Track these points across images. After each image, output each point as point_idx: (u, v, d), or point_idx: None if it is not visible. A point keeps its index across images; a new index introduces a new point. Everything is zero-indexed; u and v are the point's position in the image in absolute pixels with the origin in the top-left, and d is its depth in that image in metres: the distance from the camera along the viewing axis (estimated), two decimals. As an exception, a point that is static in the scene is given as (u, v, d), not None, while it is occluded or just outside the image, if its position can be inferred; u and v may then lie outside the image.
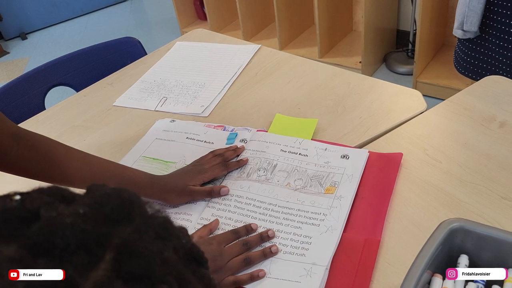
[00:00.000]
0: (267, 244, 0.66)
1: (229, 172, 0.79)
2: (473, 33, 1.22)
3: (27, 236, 0.24)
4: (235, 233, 0.67)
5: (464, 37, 1.25)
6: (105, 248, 0.24)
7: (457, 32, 1.25)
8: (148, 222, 0.28)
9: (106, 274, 0.24)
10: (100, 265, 0.24)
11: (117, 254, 0.24)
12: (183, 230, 0.30)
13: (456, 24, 1.23)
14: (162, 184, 0.74)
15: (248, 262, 0.63)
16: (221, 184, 0.77)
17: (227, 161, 0.80)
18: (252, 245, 0.65)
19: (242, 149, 0.83)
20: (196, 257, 0.29)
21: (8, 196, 0.27)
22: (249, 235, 0.68)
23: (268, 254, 0.64)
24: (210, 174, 0.76)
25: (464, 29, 1.20)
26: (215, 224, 0.70)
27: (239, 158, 0.82)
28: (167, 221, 0.29)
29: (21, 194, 0.27)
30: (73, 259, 0.23)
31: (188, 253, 0.29)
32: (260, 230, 0.69)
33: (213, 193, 0.74)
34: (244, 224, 0.70)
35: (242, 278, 0.62)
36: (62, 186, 0.29)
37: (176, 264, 0.26)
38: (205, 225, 0.70)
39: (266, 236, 0.67)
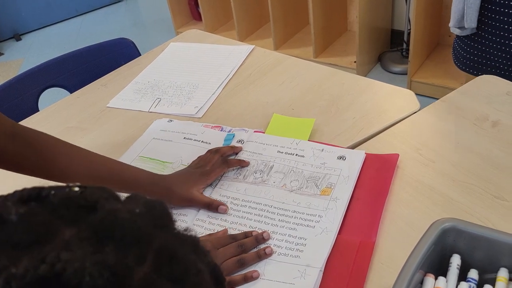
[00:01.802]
0: (262, 246, 0.66)
1: (226, 172, 0.79)
2: (470, 30, 1.23)
3: (88, 223, 0.25)
4: (233, 238, 0.67)
5: (463, 34, 1.25)
6: (151, 247, 0.26)
7: (455, 30, 1.26)
8: (183, 235, 0.30)
9: (152, 270, 0.25)
10: (146, 263, 0.25)
11: (159, 255, 0.26)
12: (207, 250, 0.31)
13: (452, 22, 1.24)
14: (164, 185, 0.73)
15: (242, 264, 0.63)
16: (218, 184, 0.77)
17: (225, 156, 0.80)
18: (247, 247, 0.65)
19: (239, 147, 0.83)
20: (218, 276, 0.31)
21: (69, 186, 0.28)
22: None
23: (263, 255, 0.64)
24: (213, 175, 0.76)
25: (465, 26, 1.21)
26: (221, 234, 0.69)
27: (238, 158, 0.81)
28: (197, 239, 0.31)
29: (80, 186, 0.29)
30: (129, 250, 0.25)
31: (211, 271, 0.30)
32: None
33: (211, 207, 0.73)
34: (239, 226, 0.70)
35: (235, 278, 0.62)
36: (110, 188, 0.31)
37: (204, 278, 0.28)
38: (210, 234, 0.69)
39: (261, 239, 0.66)
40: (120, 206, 0.28)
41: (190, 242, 0.29)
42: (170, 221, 0.30)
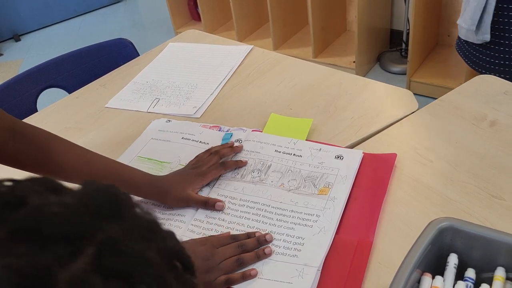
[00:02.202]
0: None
1: (222, 174, 0.79)
2: (471, 35, 1.24)
3: (11, 221, 0.24)
4: (234, 239, 0.66)
5: (480, 42, 1.27)
6: (88, 242, 0.24)
7: (470, 38, 1.27)
8: (135, 222, 0.28)
9: (85, 268, 0.23)
10: (81, 257, 0.24)
11: (99, 249, 0.24)
12: (170, 233, 0.30)
13: (467, 25, 1.25)
14: (160, 186, 0.74)
15: (241, 263, 0.63)
16: (216, 184, 0.77)
17: (223, 158, 0.80)
18: (247, 248, 0.65)
19: (240, 148, 0.83)
20: (183, 261, 0.29)
21: (0, 181, 0.27)
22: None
23: (262, 255, 0.64)
24: (209, 176, 0.76)
25: (458, 22, 1.23)
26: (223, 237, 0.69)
27: (236, 159, 0.81)
28: (155, 223, 0.29)
29: (13, 181, 0.27)
30: (55, 248, 0.23)
31: (174, 256, 0.28)
32: (253, 231, 0.69)
33: (208, 205, 0.73)
34: (237, 226, 0.70)
35: (233, 277, 0.62)
36: (54, 179, 0.29)
37: (158, 266, 0.26)
38: (212, 236, 0.69)
39: (263, 241, 0.66)
40: (52, 200, 0.26)
41: (144, 228, 0.27)
42: (120, 209, 0.27)
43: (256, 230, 0.68)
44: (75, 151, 0.72)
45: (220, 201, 0.73)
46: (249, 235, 0.67)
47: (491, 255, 0.51)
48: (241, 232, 0.69)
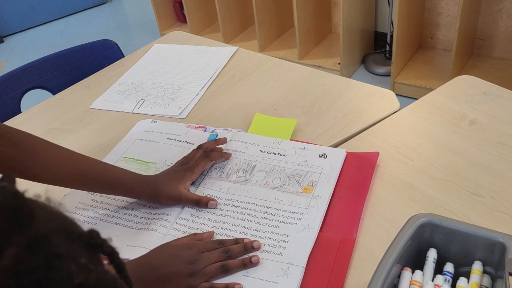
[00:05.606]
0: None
1: (208, 171, 0.80)
2: None
3: None
4: (220, 244, 0.66)
5: None
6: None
7: None
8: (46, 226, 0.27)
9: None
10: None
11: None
12: (88, 232, 0.29)
13: None
14: (152, 185, 0.74)
15: (226, 270, 0.62)
16: (201, 183, 0.78)
17: (208, 150, 0.80)
18: (233, 254, 0.64)
19: (223, 140, 0.84)
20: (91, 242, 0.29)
21: None
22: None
23: (248, 264, 0.63)
24: (197, 170, 0.77)
25: None
26: (207, 236, 0.68)
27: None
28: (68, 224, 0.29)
29: None
30: None
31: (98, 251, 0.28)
32: (238, 229, 0.69)
33: (201, 204, 0.73)
34: (222, 225, 0.70)
35: (217, 286, 0.61)
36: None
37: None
38: (195, 233, 0.69)
39: (250, 247, 0.65)
40: None
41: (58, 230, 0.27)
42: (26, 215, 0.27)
43: (245, 237, 0.68)
44: (61, 153, 0.71)
45: (213, 199, 0.73)
46: (237, 241, 0.66)
47: (469, 250, 0.53)
48: (225, 231, 0.69)
